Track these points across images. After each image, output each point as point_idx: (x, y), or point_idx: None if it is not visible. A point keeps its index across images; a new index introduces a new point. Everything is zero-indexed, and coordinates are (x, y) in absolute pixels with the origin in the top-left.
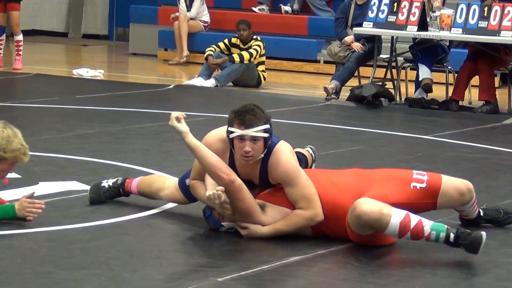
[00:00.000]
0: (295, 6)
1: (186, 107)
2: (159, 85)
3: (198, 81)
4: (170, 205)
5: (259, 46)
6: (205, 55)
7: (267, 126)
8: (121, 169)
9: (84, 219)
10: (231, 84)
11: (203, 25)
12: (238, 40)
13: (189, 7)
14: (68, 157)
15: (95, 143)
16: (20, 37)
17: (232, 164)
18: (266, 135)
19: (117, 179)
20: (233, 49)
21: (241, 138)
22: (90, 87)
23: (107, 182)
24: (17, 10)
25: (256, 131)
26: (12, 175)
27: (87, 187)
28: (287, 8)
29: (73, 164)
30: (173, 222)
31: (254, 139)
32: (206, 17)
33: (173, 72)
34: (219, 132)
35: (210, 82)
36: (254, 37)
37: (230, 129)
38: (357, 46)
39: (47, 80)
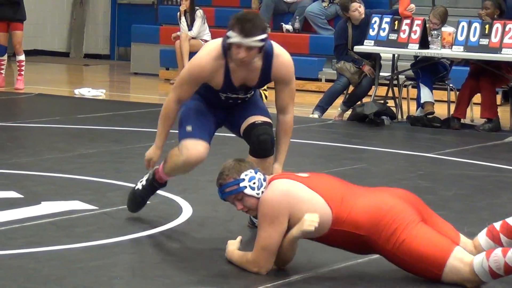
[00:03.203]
0: (296, 25)
1: None
2: (160, 104)
3: None
4: (173, 223)
5: None
6: None
7: (264, 35)
8: (123, 188)
9: (87, 238)
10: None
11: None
12: None
13: (190, 26)
14: (70, 176)
15: (97, 163)
16: (22, 57)
17: (227, 74)
18: (261, 44)
19: (148, 175)
20: None
21: (239, 45)
22: (91, 107)
23: (140, 182)
24: (20, 30)
25: (254, 41)
26: (13, 194)
27: (90, 207)
28: (288, 26)
29: (75, 183)
30: (175, 240)
31: (250, 47)
32: (207, 36)
33: None
34: (210, 52)
35: None
36: None
37: (229, 33)
38: (368, 70)
39: (48, 100)
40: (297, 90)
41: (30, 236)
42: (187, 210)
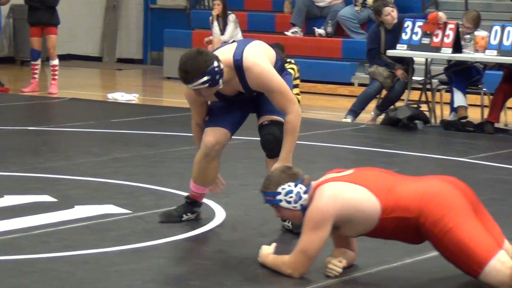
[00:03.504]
0: (329, 29)
1: None
2: None
3: None
4: (206, 227)
5: (293, 69)
6: None
7: (204, 78)
8: (156, 192)
9: (120, 242)
10: None
11: None
12: None
13: (222, 30)
14: (104, 180)
15: (130, 167)
16: (56, 61)
17: (216, 92)
18: (206, 84)
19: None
20: None
21: None
22: (125, 111)
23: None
24: (55, 34)
25: (194, 86)
26: (47, 198)
27: (123, 210)
28: (320, 31)
29: (109, 187)
30: (208, 244)
31: (196, 90)
32: None
33: None
34: None
35: None
36: (288, 60)
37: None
38: (401, 74)
39: (82, 105)
40: (329, 94)
41: (64, 240)
42: (220, 214)
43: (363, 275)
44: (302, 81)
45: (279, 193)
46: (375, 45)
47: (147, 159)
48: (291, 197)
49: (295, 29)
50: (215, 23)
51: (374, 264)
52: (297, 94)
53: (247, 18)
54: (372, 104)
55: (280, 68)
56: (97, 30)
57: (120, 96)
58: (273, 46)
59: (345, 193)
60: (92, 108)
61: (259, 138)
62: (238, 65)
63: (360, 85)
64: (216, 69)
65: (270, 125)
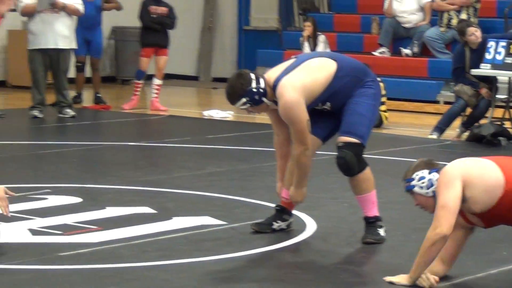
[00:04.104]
0: (415, 49)
1: None
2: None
3: None
4: (298, 238)
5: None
6: None
7: (243, 100)
8: (250, 204)
9: (216, 252)
10: None
11: None
12: None
13: (313, 51)
14: (200, 193)
15: (225, 180)
16: (161, 81)
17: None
18: (247, 105)
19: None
20: None
21: None
22: (219, 128)
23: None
24: (166, 56)
25: (238, 106)
26: (146, 210)
27: (219, 222)
28: (407, 51)
29: (205, 200)
30: (300, 254)
31: (241, 108)
32: None
33: None
34: None
35: None
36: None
37: None
38: (486, 93)
39: (179, 121)
40: (416, 111)
41: (163, 249)
42: (311, 226)
43: (448, 285)
44: (389, 99)
45: (413, 179)
46: (460, 64)
47: (241, 173)
48: (423, 183)
49: (383, 49)
50: (306, 44)
51: (459, 275)
52: (384, 111)
53: (336, 39)
54: (457, 122)
55: (351, 83)
56: (193, 50)
57: (215, 114)
58: None
59: (468, 161)
60: (188, 125)
61: None
62: (275, 91)
63: (446, 103)
64: (255, 90)
65: (343, 148)
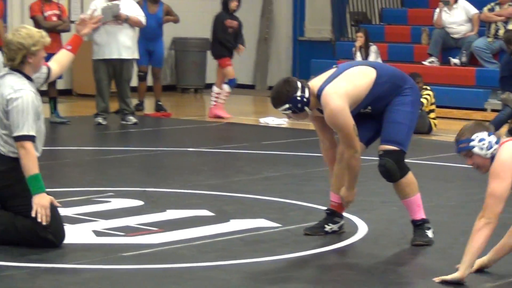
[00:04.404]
0: (463, 59)
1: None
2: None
3: None
4: (350, 240)
5: (429, 95)
6: None
7: (286, 106)
8: (304, 208)
9: (272, 252)
10: None
11: None
12: None
13: (365, 60)
14: (256, 197)
15: (280, 185)
16: (220, 90)
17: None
18: (289, 110)
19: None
20: None
21: None
22: (275, 134)
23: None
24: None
25: (280, 111)
26: (205, 212)
27: (274, 224)
28: (455, 60)
29: (261, 203)
30: (352, 256)
31: (283, 114)
32: None
33: None
34: None
35: None
36: (424, 87)
37: None
38: None
39: (237, 128)
40: (464, 119)
41: (220, 250)
42: (362, 228)
43: (494, 286)
44: (438, 107)
45: (473, 140)
46: (507, 73)
47: (295, 177)
48: (483, 144)
49: (432, 59)
50: (358, 54)
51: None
52: (433, 118)
53: (387, 49)
54: (504, 129)
55: (390, 89)
56: (250, 60)
57: (271, 121)
58: (413, 76)
59: None
60: (245, 132)
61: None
62: (319, 99)
63: (493, 110)
64: (299, 98)
65: (383, 155)
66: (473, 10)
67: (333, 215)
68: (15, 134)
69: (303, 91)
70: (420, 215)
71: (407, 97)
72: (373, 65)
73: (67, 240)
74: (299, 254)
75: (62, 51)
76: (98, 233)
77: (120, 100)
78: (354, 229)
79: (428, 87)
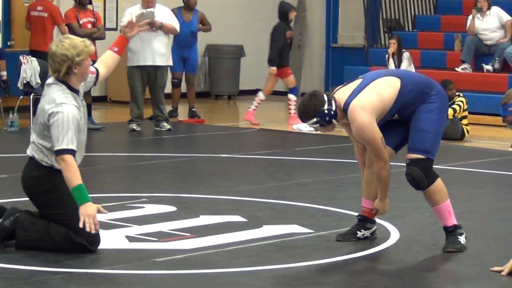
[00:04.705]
0: (496, 65)
1: (394, 158)
2: None
3: None
4: (382, 246)
5: (462, 102)
6: None
7: (314, 119)
8: (336, 214)
9: (304, 258)
10: None
11: None
12: None
13: (397, 67)
14: (289, 203)
15: (312, 191)
16: (264, 97)
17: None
18: (316, 124)
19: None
20: None
21: None
22: (308, 141)
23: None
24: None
25: (308, 124)
26: (238, 218)
27: (306, 230)
28: (488, 67)
29: (293, 209)
30: (384, 262)
31: (311, 127)
32: None
33: None
34: None
35: None
36: (457, 93)
37: None
38: None
39: (269, 134)
40: (497, 125)
41: (253, 255)
42: (394, 234)
43: None
44: (471, 113)
45: None
46: None
47: (328, 183)
48: None
49: (465, 65)
50: (391, 60)
51: None
52: (466, 125)
53: (420, 55)
54: None
55: (416, 97)
56: None
57: (304, 127)
58: (447, 83)
59: None
60: (278, 138)
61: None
62: (345, 113)
63: None
64: (326, 111)
65: (410, 164)
66: (506, 17)
67: (365, 221)
68: (56, 148)
69: (330, 104)
70: (452, 221)
71: (433, 104)
72: (397, 74)
73: (101, 245)
74: (331, 260)
75: (108, 53)
76: (131, 239)
77: (154, 106)
78: (387, 235)
79: (461, 94)
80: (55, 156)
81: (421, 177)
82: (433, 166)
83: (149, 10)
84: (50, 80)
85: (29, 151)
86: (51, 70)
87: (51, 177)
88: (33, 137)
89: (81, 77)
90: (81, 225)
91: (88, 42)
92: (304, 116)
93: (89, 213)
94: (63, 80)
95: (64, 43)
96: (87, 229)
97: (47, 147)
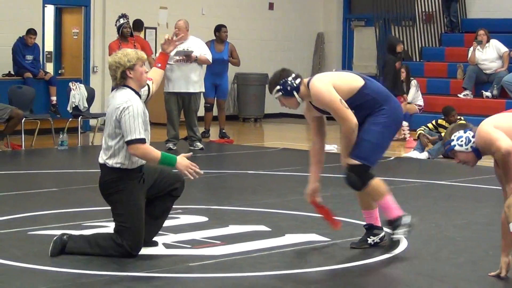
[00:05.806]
0: (495, 92)
1: (402, 175)
2: (383, 156)
3: (414, 154)
4: (389, 254)
5: None
6: (417, 134)
7: (277, 87)
8: (351, 224)
9: (321, 264)
10: (441, 156)
11: (418, 108)
12: (444, 121)
13: (406, 93)
14: (309, 214)
15: (330, 203)
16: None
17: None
18: (280, 93)
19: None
20: (440, 129)
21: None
22: (326, 159)
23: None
24: None
25: (273, 94)
26: (263, 228)
27: (324, 238)
28: (487, 93)
29: (313, 220)
30: (395, 268)
31: (278, 98)
32: (420, 101)
33: (393, 146)
34: None
35: (424, 155)
36: (459, 117)
37: None
38: None
39: (291, 153)
40: None
41: (276, 261)
42: (403, 243)
43: None
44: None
45: (452, 140)
46: None
47: (343, 197)
48: (462, 141)
49: (466, 92)
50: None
51: None
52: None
53: (426, 83)
54: None
55: (371, 103)
56: None
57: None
58: (450, 110)
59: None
60: (299, 156)
61: (435, 182)
62: (308, 85)
63: None
64: (289, 82)
65: (348, 169)
66: (504, 49)
67: (372, 228)
68: (127, 138)
69: (295, 78)
70: (396, 213)
71: (381, 118)
72: (364, 77)
73: (140, 252)
74: (346, 265)
75: (153, 69)
76: (167, 246)
77: (188, 128)
78: (396, 242)
79: (462, 118)
80: (126, 149)
81: (355, 180)
82: (370, 171)
83: (188, 49)
84: (115, 89)
85: (100, 159)
86: (112, 80)
87: (119, 181)
88: (104, 142)
89: (138, 82)
90: (189, 176)
91: (140, 52)
92: (271, 84)
93: (185, 164)
94: (124, 84)
95: (117, 53)
96: (191, 177)
97: (119, 145)
